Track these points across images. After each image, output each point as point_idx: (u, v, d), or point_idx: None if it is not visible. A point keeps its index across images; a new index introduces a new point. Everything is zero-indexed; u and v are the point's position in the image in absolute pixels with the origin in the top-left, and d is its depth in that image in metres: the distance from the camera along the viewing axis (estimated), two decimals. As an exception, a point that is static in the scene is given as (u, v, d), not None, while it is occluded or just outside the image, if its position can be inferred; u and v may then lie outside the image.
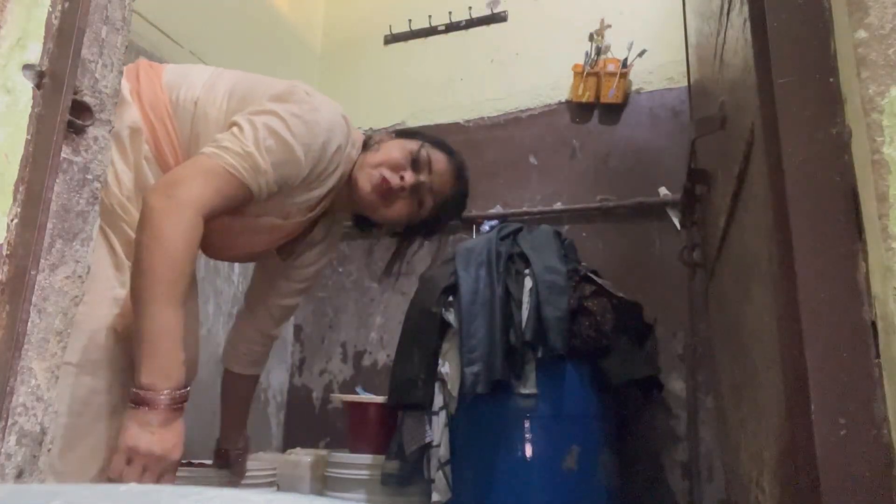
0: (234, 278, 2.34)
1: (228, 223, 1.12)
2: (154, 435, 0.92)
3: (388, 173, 1.21)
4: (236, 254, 1.28)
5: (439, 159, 1.28)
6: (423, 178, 1.25)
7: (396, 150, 1.24)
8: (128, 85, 1.10)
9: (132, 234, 1.03)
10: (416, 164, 1.24)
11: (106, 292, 1.02)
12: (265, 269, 1.40)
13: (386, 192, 1.22)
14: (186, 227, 0.96)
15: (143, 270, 0.94)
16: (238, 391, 1.45)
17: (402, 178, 1.23)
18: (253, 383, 1.48)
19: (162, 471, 0.93)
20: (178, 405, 0.95)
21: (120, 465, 0.92)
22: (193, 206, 0.98)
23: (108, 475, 0.93)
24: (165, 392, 0.93)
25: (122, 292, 1.03)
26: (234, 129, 1.05)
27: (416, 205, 1.26)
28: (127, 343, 1.01)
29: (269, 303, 1.40)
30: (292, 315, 1.51)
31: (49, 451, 0.68)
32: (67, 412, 0.95)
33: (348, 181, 1.23)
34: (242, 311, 1.45)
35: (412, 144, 1.26)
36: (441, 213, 1.33)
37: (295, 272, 1.38)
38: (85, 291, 0.99)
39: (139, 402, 0.92)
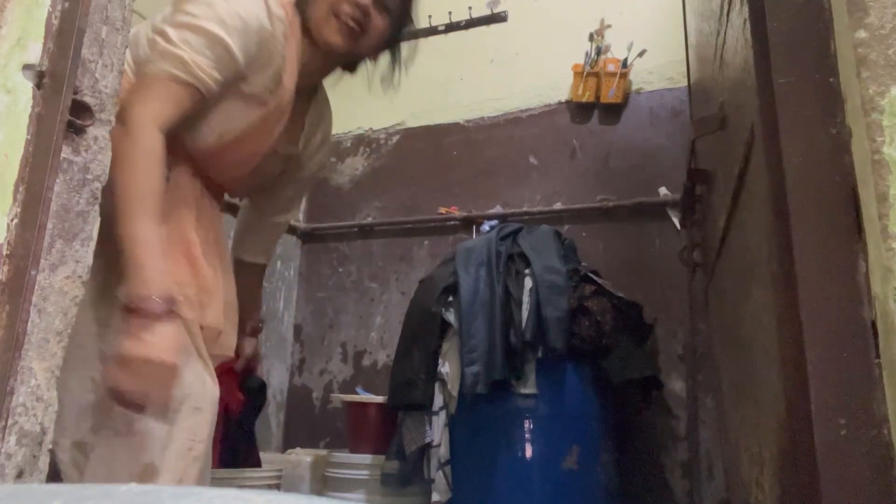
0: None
1: (231, 140, 1.17)
2: (144, 342, 0.94)
3: (346, 9, 1.20)
4: (251, 166, 1.28)
5: None
6: None
7: None
8: None
9: None
10: None
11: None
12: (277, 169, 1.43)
13: (353, 29, 1.21)
14: (143, 144, 1.00)
15: (116, 191, 0.97)
16: (248, 278, 1.48)
17: (356, 4, 1.21)
18: (261, 272, 1.54)
19: (157, 376, 0.96)
20: (165, 311, 0.97)
21: (114, 373, 0.94)
22: (143, 121, 1.01)
23: (106, 385, 0.95)
24: (150, 299, 0.95)
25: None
26: (156, 37, 1.08)
27: (384, 17, 1.25)
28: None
29: (278, 193, 1.45)
30: (299, 204, 1.58)
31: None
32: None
33: (312, 44, 1.23)
34: (246, 205, 1.51)
35: None
36: (403, 11, 1.32)
37: (305, 160, 1.42)
38: None
39: (127, 312, 0.95)
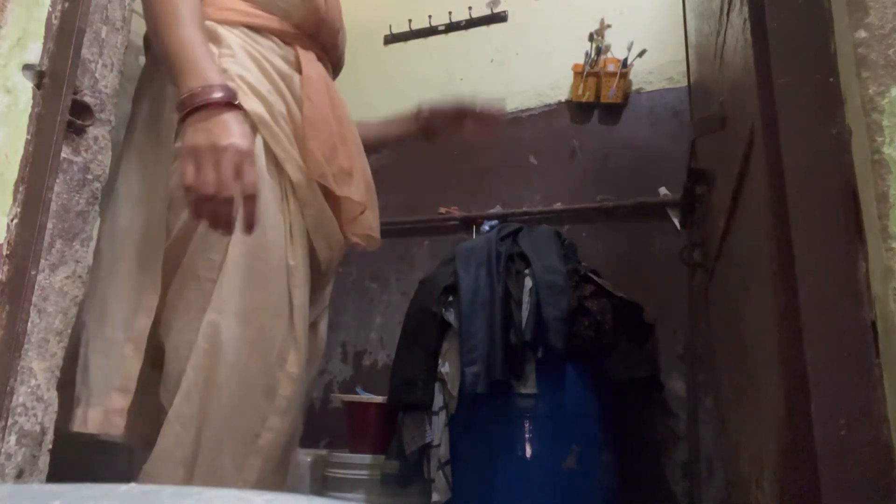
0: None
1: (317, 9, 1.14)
2: (212, 131, 0.85)
3: None
4: (339, 17, 1.26)
5: None
6: None
7: None
8: None
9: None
10: None
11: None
12: None
13: None
14: None
15: (151, 7, 0.91)
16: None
17: None
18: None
19: (236, 162, 0.86)
20: (228, 101, 0.89)
21: (188, 171, 0.85)
22: None
23: (182, 184, 0.86)
24: (210, 88, 0.87)
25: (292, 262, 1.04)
26: None
27: None
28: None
29: None
30: None
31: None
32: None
33: None
34: None
35: None
36: None
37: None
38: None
39: (186, 108, 0.87)
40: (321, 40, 1.19)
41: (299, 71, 1.13)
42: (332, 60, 1.25)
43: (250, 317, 0.97)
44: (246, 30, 1.07)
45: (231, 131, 0.86)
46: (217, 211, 0.85)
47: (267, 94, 1.04)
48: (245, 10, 1.08)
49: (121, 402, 0.91)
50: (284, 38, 1.12)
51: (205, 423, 0.93)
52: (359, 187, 1.15)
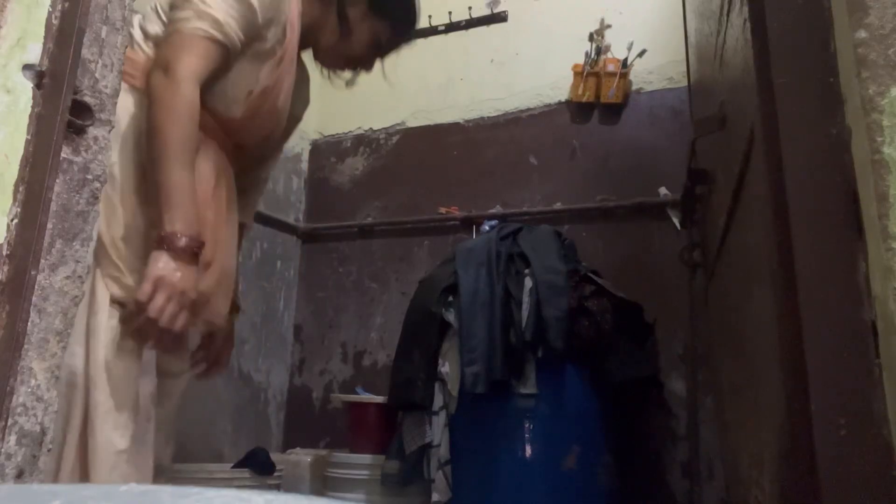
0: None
1: (257, 99, 1.23)
2: (177, 272, 1.04)
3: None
4: (276, 124, 1.32)
5: None
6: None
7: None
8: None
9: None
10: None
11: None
12: None
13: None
14: (187, 96, 1.10)
15: (156, 136, 1.08)
16: None
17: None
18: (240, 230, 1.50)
19: (183, 305, 1.06)
20: (195, 252, 1.07)
21: (148, 291, 1.02)
22: (187, 76, 1.10)
23: (136, 298, 1.03)
24: (185, 238, 1.05)
25: None
26: None
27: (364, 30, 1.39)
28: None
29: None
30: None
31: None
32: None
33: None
34: None
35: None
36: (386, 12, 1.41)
37: (292, 122, 1.47)
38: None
39: (164, 244, 1.04)
40: (239, 138, 1.27)
41: None
42: (241, 155, 1.32)
43: None
44: None
45: (188, 278, 1.06)
46: (147, 331, 1.05)
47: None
48: None
49: None
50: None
51: None
52: (211, 277, 1.20)
